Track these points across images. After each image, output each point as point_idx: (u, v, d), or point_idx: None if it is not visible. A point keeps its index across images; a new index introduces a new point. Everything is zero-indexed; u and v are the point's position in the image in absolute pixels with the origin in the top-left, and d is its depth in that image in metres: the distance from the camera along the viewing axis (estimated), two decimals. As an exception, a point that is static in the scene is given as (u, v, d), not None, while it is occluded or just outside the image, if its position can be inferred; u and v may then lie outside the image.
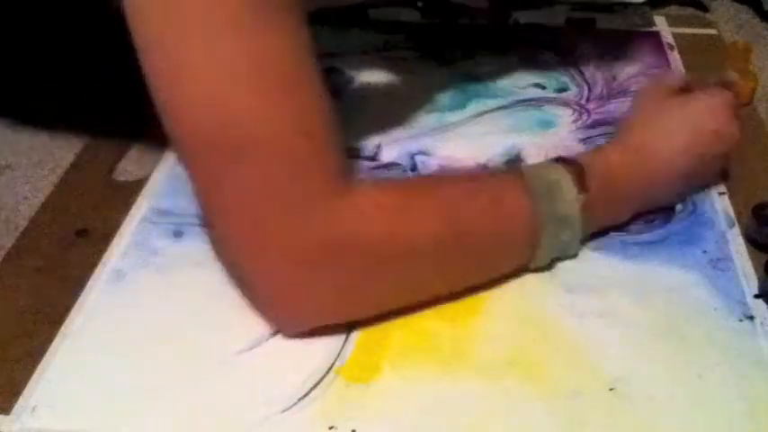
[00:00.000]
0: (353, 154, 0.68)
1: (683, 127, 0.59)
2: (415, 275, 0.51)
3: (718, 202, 0.62)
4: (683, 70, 0.79)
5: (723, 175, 0.64)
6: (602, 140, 0.69)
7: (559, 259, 0.56)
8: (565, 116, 0.73)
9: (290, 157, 0.46)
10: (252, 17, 0.44)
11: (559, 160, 0.56)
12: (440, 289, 0.53)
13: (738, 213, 0.61)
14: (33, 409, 0.48)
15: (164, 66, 0.46)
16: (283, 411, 0.47)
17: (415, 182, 0.55)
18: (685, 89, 0.63)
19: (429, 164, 0.67)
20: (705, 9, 0.91)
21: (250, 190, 0.46)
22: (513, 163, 0.66)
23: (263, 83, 0.45)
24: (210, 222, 0.52)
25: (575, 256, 0.57)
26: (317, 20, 0.62)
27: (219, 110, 0.45)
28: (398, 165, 0.67)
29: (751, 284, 0.55)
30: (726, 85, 0.65)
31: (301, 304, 0.50)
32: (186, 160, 0.48)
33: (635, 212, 0.59)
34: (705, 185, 0.63)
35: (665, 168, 0.58)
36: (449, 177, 0.57)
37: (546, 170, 0.55)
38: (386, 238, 0.48)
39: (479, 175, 0.56)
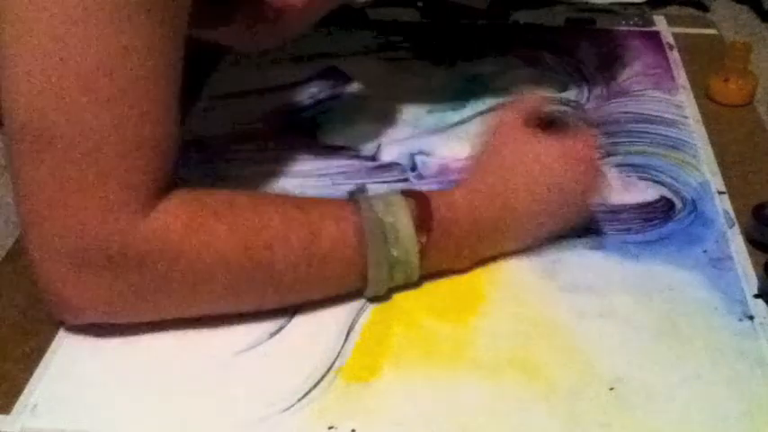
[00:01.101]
0: (353, 154, 0.68)
1: (538, 173, 0.54)
2: (202, 299, 0.50)
3: (719, 202, 0.63)
4: (683, 70, 0.79)
5: (588, 211, 0.58)
6: (601, 140, 0.69)
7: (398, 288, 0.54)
8: (565, 116, 0.73)
9: (90, 161, 0.45)
10: (99, 14, 0.44)
11: (406, 193, 0.53)
12: (231, 308, 0.51)
13: (738, 213, 0.61)
14: (33, 408, 0.48)
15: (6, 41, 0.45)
16: (283, 411, 0.47)
17: (230, 202, 0.49)
18: (544, 119, 0.57)
19: (429, 164, 0.67)
20: (705, 9, 0.91)
21: (44, 184, 0.46)
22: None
23: (88, 82, 0.44)
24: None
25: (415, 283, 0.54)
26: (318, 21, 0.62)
27: (35, 101, 0.45)
28: (398, 164, 0.67)
29: (751, 284, 0.56)
30: (590, 123, 0.60)
31: (72, 301, 0.48)
32: (7, 138, 0.47)
33: (480, 258, 0.56)
34: (574, 221, 0.57)
35: (512, 217, 0.54)
36: (275, 201, 0.52)
37: (386, 208, 0.51)
38: (170, 257, 0.47)
39: (310, 204, 0.51)
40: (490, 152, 0.56)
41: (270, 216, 0.49)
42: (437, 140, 0.70)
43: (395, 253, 0.51)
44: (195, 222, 0.48)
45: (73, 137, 0.45)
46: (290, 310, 0.53)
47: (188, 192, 0.49)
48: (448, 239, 0.53)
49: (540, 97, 0.62)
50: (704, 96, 0.75)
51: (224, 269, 0.48)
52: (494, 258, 0.57)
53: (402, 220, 0.51)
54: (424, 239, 0.51)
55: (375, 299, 0.54)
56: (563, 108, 0.63)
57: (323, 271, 0.51)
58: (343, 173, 0.66)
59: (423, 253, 0.51)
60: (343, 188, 0.64)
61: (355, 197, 0.53)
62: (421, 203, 0.52)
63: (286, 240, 0.49)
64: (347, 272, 0.51)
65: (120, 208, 0.46)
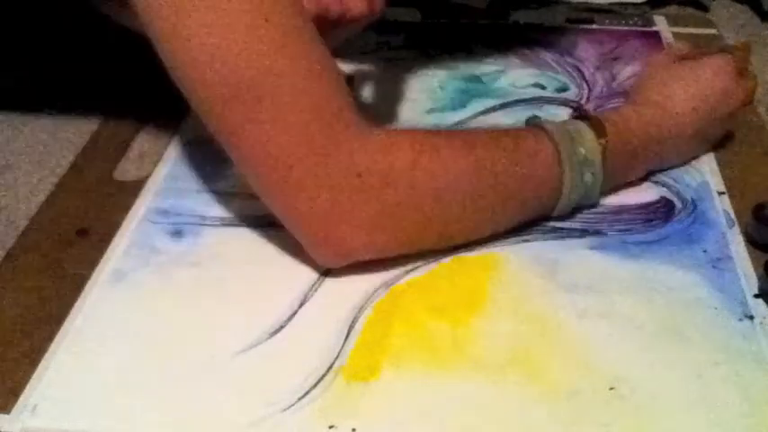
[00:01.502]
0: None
1: (693, 88, 0.62)
2: (445, 208, 0.53)
3: (719, 202, 0.63)
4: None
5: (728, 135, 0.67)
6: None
7: (580, 209, 0.60)
8: (564, 116, 0.73)
9: (307, 100, 0.49)
10: None
11: (576, 117, 0.60)
12: (470, 227, 0.56)
13: (738, 213, 0.61)
14: (33, 408, 0.48)
15: (173, 29, 0.48)
16: (283, 410, 0.47)
17: (433, 129, 0.58)
18: (689, 56, 0.66)
19: (429, 164, 0.67)
20: (705, 9, 0.91)
21: (274, 137, 0.49)
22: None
23: (270, 34, 0.48)
24: (245, 179, 0.54)
25: (595, 205, 0.60)
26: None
27: (231, 64, 0.48)
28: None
29: (751, 284, 0.55)
30: (726, 49, 0.67)
31: (342, 233, 0.52)
32: (209, 121, 0.51)
33: (648, 170, 0.63)
34: (705, 150, 0.66)
35: (676, 125, 0.62)
36: (469, 128, 0.59)
37: (565, 122, 0.59)
38: (412, 167, 0.51)
39: (501, 128, 0.59)
40: (647, 79, 0.65)
41: (477, 132, 0.57)
42: (437, 140, 0.70)
43: (582, 150, 0.56)
44: (422, 137, 0.53)
45: (284, 85, 0.48)
46: (290, 310, 0.53)
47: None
48: (623, 146, 0.59)
49: (682, 43, 0.71)
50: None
51: (458, 177, 0.53)
52: (494, 259, 0.57)
53: (581, 126, 0.58)
54: (603, 141, 0.57)
55: (377, 303, 0.54)
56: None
57: (529, 179, 0.55)
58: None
59: (604, 154, 0.57)
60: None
61: (533, 121, 0.60)
62: (591, 118, 0.59)
63: (498, 150, 0.55)
64: (546, 178, 0.56)
65: (351, 132, 0.50)
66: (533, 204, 0.57)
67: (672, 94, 0.62)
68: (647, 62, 0.69)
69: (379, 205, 0.51)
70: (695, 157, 0.66)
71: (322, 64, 0.51)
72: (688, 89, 0.63)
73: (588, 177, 0.57)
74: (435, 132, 0.56)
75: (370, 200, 0.51)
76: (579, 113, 0.62)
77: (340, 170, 0.50)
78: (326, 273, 0.56)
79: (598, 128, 0.58)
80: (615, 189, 0.62)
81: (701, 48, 0.70)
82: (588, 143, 0.57)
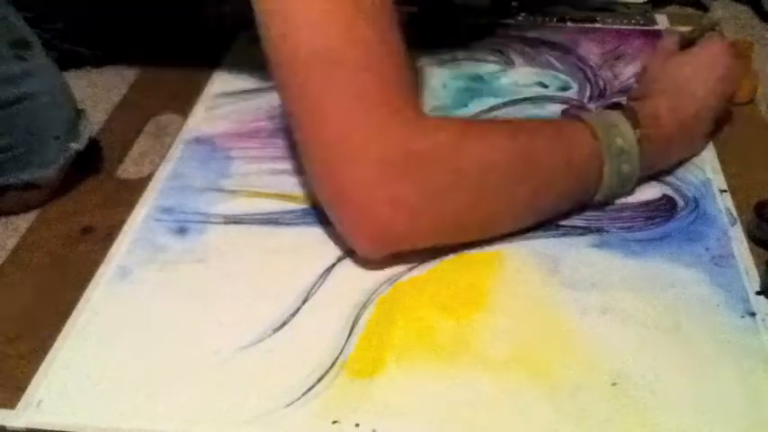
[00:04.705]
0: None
1: (705, 70, 0.65)
2: (489, 193, 0.54)
3: (720, 200, 0.63)
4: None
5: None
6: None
7: (616, 197, 0.61)
8: (567, 115, 0.73)
9: (378, 77, 0.52)
10: None
11: (612, 106, 0.62)
12: (512, 215, 0.57)
13: (740, 211, 0.61)
14: (38, 404, 0.48)
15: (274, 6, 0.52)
16: (287, 406, 0.48)
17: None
18: (685, 43, 0.69)
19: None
20: (705, 9, 0.91)
21: (343, 103, 0.51)
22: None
23: (357, 12, 0.51)
24: (302, 144, 0.55)
25: (631, 192, 0.62)
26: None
27: (319, 35, 0.51)
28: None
29: (753, 281, 0.56)
30: (712, 28, 0.71)
31: (384, 213, 0.52)
32: (285, 81, 0.53)
33: (679, 156, 0.65)
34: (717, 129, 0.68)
35: (701, 108, 0.64)
36: (516, 119, 0.62)
37: (603, 113, 0.60)
38: (457, 148, 0.53)
39: (541, 118, 0.62)
40: (658, 70, 0.67)
41: (518, 120, 0.61)
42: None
43: (619, 141, 0.58)
44: (466, 123, 0.58)
45: (361, 59, 0.51)
46: (293, 306, 0.54)
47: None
48: (657, 135, 0.60)
49: (671, 35, 0.72)
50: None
51: (501, 160, 0.54)
52: (497, 256, 0.57)
53: (617, 117, 0.59)
54: (638, 131, 0.58)
55: (380, 299, 0.54)
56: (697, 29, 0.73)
57: (570, 166, 0.57)
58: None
59: (640, 145, 0.58)
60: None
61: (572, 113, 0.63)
62: (626, 108, 0.61)
63: (540, 136, 0.56)
64: (587, 166, 0.58)
65: (409, 114, 0.53)
66: (574, 193, 0.59)
67: (689, 78, 0.64)
68: (654, 54, 0.70)
69: (423, 186, 0.52)
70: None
71: (396, 45, 0.53)
72: (701, 72, 0.64)
73: (625, 168, 0.59)
74: (481, 120, 0.60)
75: (416, 179, 0.52)
76: (613, 104, 0.63)
77: (392, 146, 0.51)
78: (329, 270, 0.56)
79: (633, 118, 0.59)
80: (651, 177, 0.63)
81: (690, 32, 0.72)
82: (625, 134, 0.58)
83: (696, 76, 0.64)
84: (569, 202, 0.59)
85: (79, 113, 0.64)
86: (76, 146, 0.62)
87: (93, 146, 0.67)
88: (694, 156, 0.67)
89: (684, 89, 0.64)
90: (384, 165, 0.51)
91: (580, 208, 0.61)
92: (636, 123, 0.59)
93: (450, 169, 0.52)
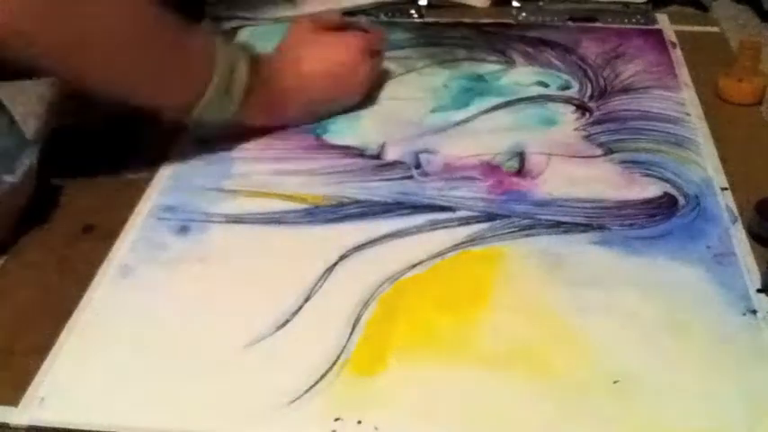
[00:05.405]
0: (358, 153, 0.68)
1: (320, 56, 0.70)
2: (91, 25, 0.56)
3: (722, 198, 0.63)
4: (685, 67, 0.79)
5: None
6: (604, 138, 0.69)
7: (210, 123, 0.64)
8: (567, 114, 0.73)
9: None
10: None
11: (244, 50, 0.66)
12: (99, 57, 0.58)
13: (741, 209, 0.61)
14: (41, 401, 0.48)
15: None
16: (290, 403, 0.48)
17: None
18: (333, 28, 0.73)
19: (434, 162, 0.67)
20: (705, 9, 0.91)
21: None
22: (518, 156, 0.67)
23: None
24: None
25: (225, 121, 0.65)
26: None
27: None
28: (403, 163, 0.67)
29: (754, 279, 0.56)
30: (360, 27, 0.75)
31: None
32: None
33: (288, 120, 0.71)
34: (342, 110, 0.73)
35: (302, 85, 0.69)
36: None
37: (235, 49, 0.65)
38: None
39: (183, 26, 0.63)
40: (290, 38, 0.72)
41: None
42: (441, 139, 0.70)
43: (230, 87, 0.63)
44: None
45: None
46: (296, 304, 0.54)
47: None
48: (266, 87, 0.66)
49: (334, 14, 0.79)
50: (711, 94, 0.75)
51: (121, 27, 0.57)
52: (498, 253, 0.57)
53: (242, 66, 0.64)
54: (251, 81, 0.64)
55: (381, 298, 0.55)
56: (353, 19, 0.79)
57: (179, 68, 0.62)
58: (347, 171, 0.66)
59: (247, 92, 0.64)
60: (348, 187, 0.65)
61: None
62: (257, 60, 0.66)
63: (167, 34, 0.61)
64: (188, 82, 0.62)
65: None
66: (170, 84, 0.62)
67: (306, 56, 0.69)
68: (292, 25, 0.74)
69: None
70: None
71: None
72: (321, 54, 0.70)
73: (237, 75, 0.63)
74: None
75: None
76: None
77: None
78: (331, 269, 0.57)
79: (254, 69, 0.64)
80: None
81: (348, 22, 0.76)
82: (237, 81, 0.63)
83: (314, 55, 0.69)
84: (165, 91, 0.62)
85: (24, 142, 0.59)
86: (11, 179, 0.57)
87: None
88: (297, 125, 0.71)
89: (299, 63, 0.69)
90: None
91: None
92: (256, 73, 0.64)
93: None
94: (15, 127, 0.59)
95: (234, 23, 0.88)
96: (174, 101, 0.63)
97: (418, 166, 0.67)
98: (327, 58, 0.70)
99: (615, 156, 0.68)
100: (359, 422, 0.47)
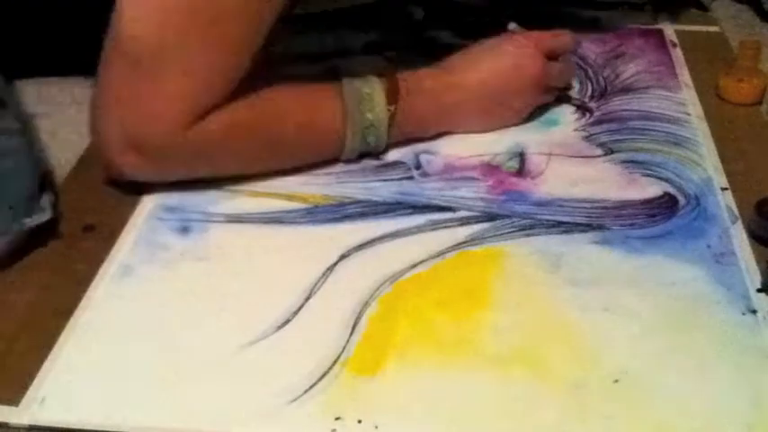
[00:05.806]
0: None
1: (489, 60, 0.67)
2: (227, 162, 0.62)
3: (722, 198, 0.63)
4: (686, 67, 0.79)
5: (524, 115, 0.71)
6: (605, 138, 0.69)
7: (369, 155, 0.66)
8: (568, 114, 0.73)
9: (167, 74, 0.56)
10: None
11: (378, 75, 0.64)
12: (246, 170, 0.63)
13: (741, 209, 0.61)
14: (42, 401, 0.48)
15: None
16: (290, 403, 0.48)
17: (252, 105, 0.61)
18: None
19: (433, 162, 0.67)
20: (705, 9, 0.91)
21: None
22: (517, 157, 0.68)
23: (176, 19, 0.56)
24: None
25: (382, 152, 0.66)
26: (319, 22, 0.63)
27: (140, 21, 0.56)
28: (403, 163, 0.67)
29: (754, 279, 0.56)
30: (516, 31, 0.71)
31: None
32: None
33: (441, 130, 0.69)
34: (506, 121, 0.70)
35: (467, 93, 0.67)
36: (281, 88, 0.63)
37: (363, 81, 0.64)
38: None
39: (307, 88, 0.63)
40: (465, 52, 0.69)
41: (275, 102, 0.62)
42: (441, 139, 0.70)
43: (369, 117, 0.63)
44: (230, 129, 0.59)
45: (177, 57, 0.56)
46: (296, 304, 0.54)
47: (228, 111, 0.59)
48: (413, 108, 0.65)
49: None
50: (711, 94, 0.75)
51: (246, 141, 0.61)
52: (499, 253, 0.57)
53: (375, 90, 0.63)
54: (392, 108, 0.63)
55: (382, 297, 0.54)
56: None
57: (314, 133, 0.63)
58: (348, 171, 0.66)
59: (391, 120, 0.64)
60: (348, 187, 0.65)
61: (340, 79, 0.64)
62: (389, 79, 0.64)
63: (292, 125, 0.61)
64: (331, 136, 0.63)
65: (172, 116, 0.57)
66: (312, 149, 0.64)
67: (468, 65, 0.67)
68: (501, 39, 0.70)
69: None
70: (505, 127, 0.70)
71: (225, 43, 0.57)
72: (484, 62, 0.67)
73: (372, 139, 0.64)
74: (245, 119, 0.61)
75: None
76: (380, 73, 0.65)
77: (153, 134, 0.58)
78: (331, 268, 0.57)
79: (391, 93, 0.63)
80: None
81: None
82: (377, 108, 0.62)
83: (478, 63, 0.67)
84: (311, 156, 0.65)
85: (44, 186, 0.59)
86: (31, 221, 0.57)
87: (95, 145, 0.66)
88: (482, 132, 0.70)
89: (459, 72, 0.67)
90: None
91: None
92: (393, 99, 0.63)
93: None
94: (42, 168, 0.63)
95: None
96: (312, 160, 0.65)
97: (418, 166, 0.67)
98: (493, 64, 0.68)
99: (615, 156, 0.68)
100: (359, 422, 0.47)
